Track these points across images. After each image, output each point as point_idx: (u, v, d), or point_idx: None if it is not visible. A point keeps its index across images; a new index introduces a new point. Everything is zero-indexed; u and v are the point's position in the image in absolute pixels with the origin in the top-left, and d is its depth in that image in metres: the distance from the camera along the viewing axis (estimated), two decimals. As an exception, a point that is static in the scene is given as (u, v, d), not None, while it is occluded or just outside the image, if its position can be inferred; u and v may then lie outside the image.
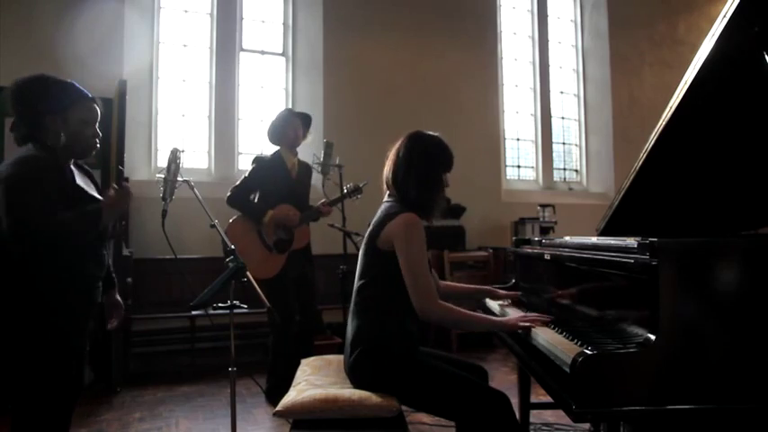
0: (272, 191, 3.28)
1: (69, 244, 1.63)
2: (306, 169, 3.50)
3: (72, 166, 1.78)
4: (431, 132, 1.93)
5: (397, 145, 1.92)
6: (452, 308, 1.80)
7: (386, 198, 1.95)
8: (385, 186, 1.95)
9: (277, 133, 3.37)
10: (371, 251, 1.85)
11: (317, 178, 3.74)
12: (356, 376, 1.80)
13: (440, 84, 5.52)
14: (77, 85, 1.74)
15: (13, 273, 1.60)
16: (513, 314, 1.95)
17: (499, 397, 1.70)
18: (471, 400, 1.69)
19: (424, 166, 1.86)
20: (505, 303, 2.27)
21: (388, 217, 1.81)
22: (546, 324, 1.74)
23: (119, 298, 2.00)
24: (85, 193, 1.69)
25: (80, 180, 1.75)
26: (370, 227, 1.88)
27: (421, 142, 1.90)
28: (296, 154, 3.43)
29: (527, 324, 1.75)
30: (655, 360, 1.23)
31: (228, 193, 3.29)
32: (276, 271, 3.21)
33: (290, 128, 3.34)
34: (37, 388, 1.63)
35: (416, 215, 1.80)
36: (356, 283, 1.89)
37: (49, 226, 1.56)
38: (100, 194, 1.83)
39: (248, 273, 1.99)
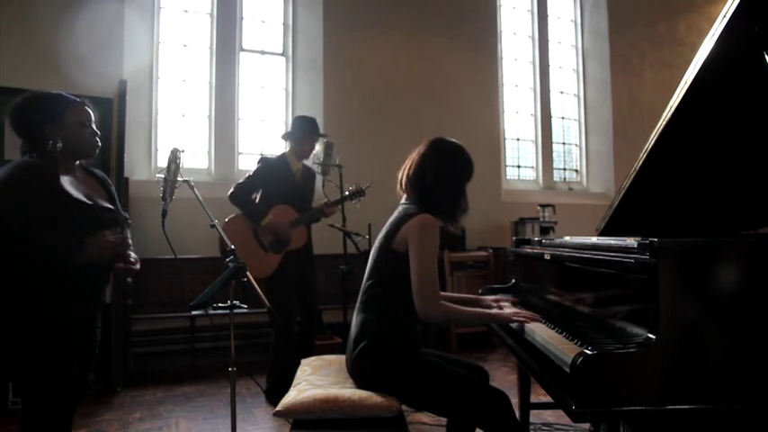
0: (275, 192, 3.32)
1: (40, 259, 1.63)
2: (309, 173, 3.55)
3: (78, 172, 1.80)
4: (454, 140, 1.94)
5: (421, 149, 1.92)
6: (452, 309, 1.81)
7: (403, 200, 1.94)
8: (401, 189, 1.95)
9: (297, 139, 3.41)
10: (385, 252, 1.85)
11: (321, 182, 3.75)
12: (358, 372, 1.81)
13: (440, 83, 5.52)
14: (65, 93, 1.81)
15: (4, 270, 1.62)
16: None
17: (499, 396, 1.71)
18: (472, 398, 1.70)
19: (453, 174, 1.89)
20: (504, 298, 2.25)
21: (406, 217, 1.81)
22: (540, 323, 1.76)
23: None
24: (73, 198, 1.68)
25: (75, 186, 1.74)
26: (386, 227, 1.88)
27: (449, 150, 1.92)
28: (300, 159, 3.47)
29: (520, 319, 1.80)
30: (655, 360, 1.23)
31: (231, 190, 3.31)
32: (271, 270, 3.23)
33: (308, 144, 3.43)
34: (35, 385, 1.64)
35: (434, 217, 1.81)
36: (364, 283, 1.90)
37: (26, 236, 1.58)
38: (113, 202, 1.86)
39: (248, 273, 1.99)
